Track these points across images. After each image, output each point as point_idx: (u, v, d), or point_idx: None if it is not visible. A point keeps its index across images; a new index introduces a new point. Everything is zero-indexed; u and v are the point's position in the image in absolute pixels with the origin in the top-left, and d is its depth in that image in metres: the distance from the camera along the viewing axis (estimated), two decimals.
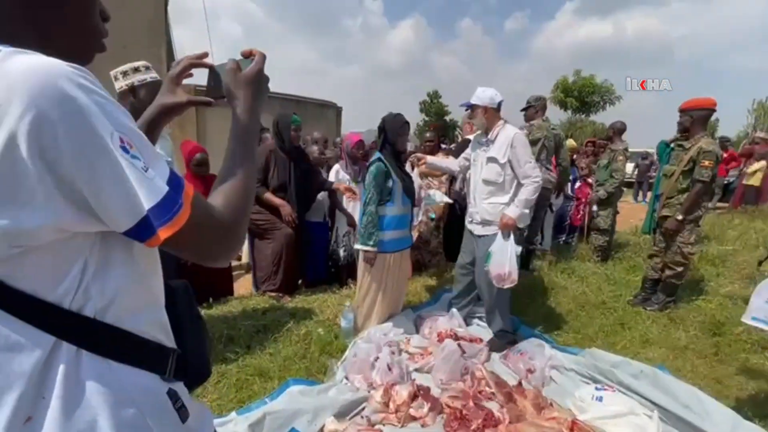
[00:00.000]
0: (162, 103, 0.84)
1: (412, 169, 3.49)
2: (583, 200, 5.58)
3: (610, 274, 4.12)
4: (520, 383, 2.15)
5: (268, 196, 3.21)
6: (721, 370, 2.42)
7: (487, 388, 2.06)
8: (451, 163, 3.18)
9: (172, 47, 7.44)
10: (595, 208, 4.58)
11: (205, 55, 0.85)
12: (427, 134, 4.56)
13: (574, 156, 5.62)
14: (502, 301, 2.68)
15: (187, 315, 0.76)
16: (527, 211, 2.56)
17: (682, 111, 3.07)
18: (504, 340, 2.70)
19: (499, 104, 2.60)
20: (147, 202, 0.49)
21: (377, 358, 2.34)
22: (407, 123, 2.72)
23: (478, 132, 2.74)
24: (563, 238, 5.64)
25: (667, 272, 3.21)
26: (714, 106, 3.07)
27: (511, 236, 2.49)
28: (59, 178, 0.45)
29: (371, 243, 2.56)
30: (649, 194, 12.12)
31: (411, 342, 2.63)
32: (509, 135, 2.52)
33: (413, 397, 2.02)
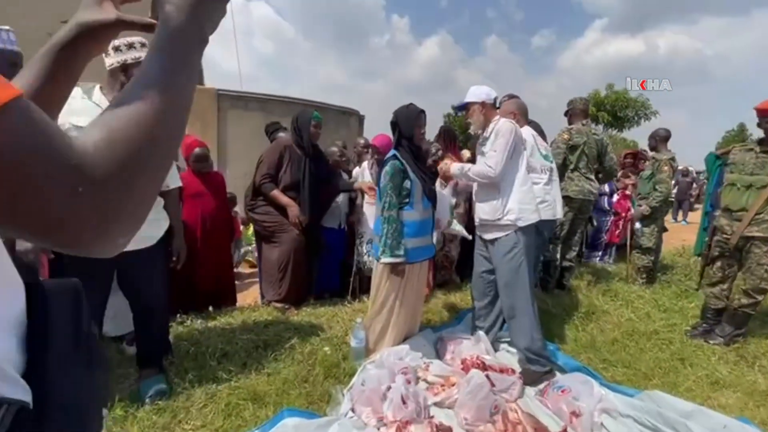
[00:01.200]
0: (80, 21, 0.55)
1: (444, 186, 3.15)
2: (623, 214, 5.09)
3: (659, 300, 3.63)
4: (565, 430, 1.74)
5: (276, 193, 2.94)
6: None
7: None
8: None
9: None
10: (638, 225, 4.10)
11: None
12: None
13: None
14: (526, 307, 2.31)
15: (63, 341, 0.45)
16: (464, 180, 2.66)
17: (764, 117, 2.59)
18: (539, 370, 2.29)
19: (495, 99, 2.46)
20: None
21: (389, 387, 1.98)
22: (423, 112, 2.41)
23: (473, 131, 2.53)
24: (599, 256, 5.15)
25: (743, 300, 2.71)
26: None
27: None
28: None
29: (401, 252, 2.24)
30: (691, 214, 11.33)
31: (430, 369, 2.26)
32: (497, 126, 2.33)
33: None
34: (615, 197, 5.26)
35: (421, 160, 2.40)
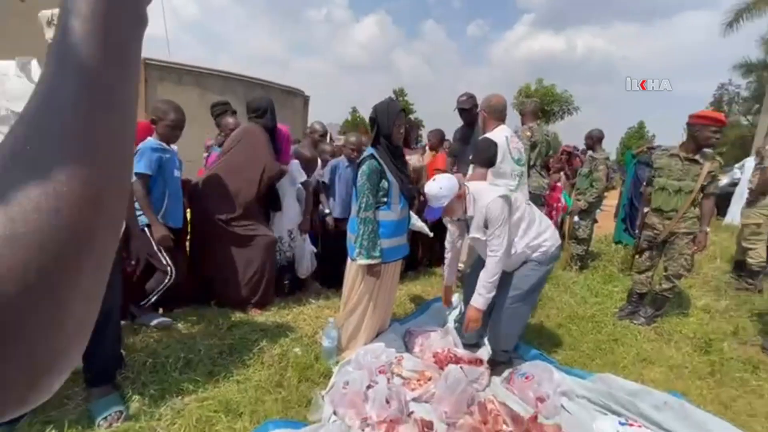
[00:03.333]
0: None
1: None
2: (555, 206, 5.57)
3: (591, 285, 4.07)
4: (536, 417, 1.90)
5: None
6: (724, 393, 2.34)
7: (504, 426, 1.79)
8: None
9: None
10: (576, 218, 4.52)
11: None
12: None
13: None
14: (523, 320, 2.44)
15: None
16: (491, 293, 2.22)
17: (704, 125, 2.94)
18: (503, 359, 2.47)
19: (460, 185, 2.22)
20: None
21: (369, 386, 2.00)
22: (403, 111, 2.35)
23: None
24: None
25: (665, 285, 3.14)
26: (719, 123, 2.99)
27: None
28: None
29: (377, 254, 2.20)
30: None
31: (403, 363, 2.31)
32: (482, 209, 2.16)
33: None
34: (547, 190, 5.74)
35: (398, 159, 2.36)
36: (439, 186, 2.14)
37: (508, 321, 2.32)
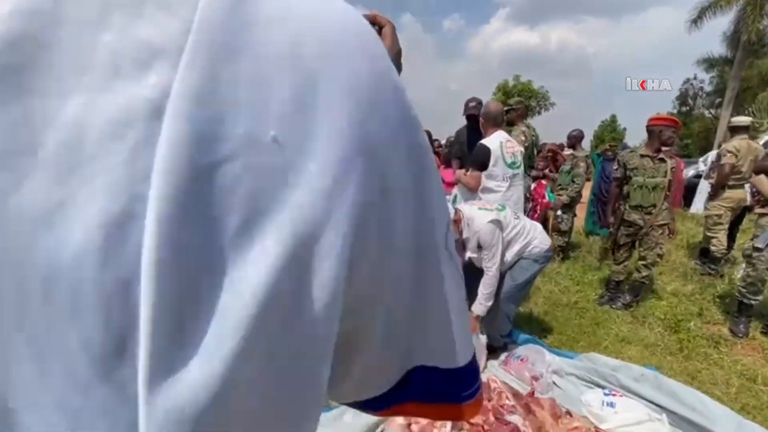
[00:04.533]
0: None
1: None
2: (540, 201, 5.90)
3: (572, 274, 4.40)
4: (533, 393, 2.16)
5: None
6: (691, 365, 2.67)
7: (507, 401, 2.03)
8: None
9: None
10: (559, 212, 4.85)
11: None
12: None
13: None
14: (514, 305, 2.71)
15: None
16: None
17: (666, 126, 3.27)
18: (499, 345, 2.72)
19: (455, 210, 2.49)
20: (463, 356, 0.31)
21: None
22: None
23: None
24: None
25: (643, 273, 3.47)
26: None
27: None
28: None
29: None
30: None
31: None
32: (475, 234, 2.41)
33: None
34: (533, 185, 6.06)
35: None
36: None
37: (505, 307, 2.59)
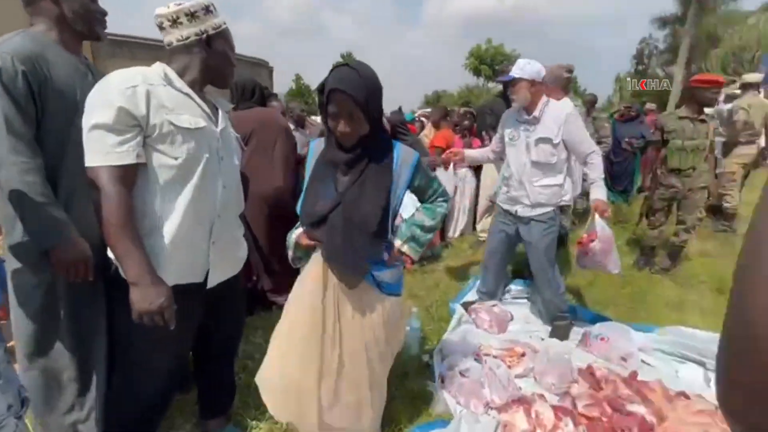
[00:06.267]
0: None
1: (447, 168, 3.08)
2: None
3: None
4: (635, 375, 2.06)
5: None
6: None
7: (624, 390, 1.92)
8: (485, 152, 2.89)
9: None
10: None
11: None
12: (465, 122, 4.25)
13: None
14: (560, 281, 2.61)
15: None
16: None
17: (707, 87, 3.16)
18: (564, 324, 2.62)
19: (544, 78, 2.39)
20: None
21: (468, 369, 2.03)
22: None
23: (516, 107, 2.50)
24: None
25: (683, 236, 3.45)
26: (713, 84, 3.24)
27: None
28: None
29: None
30: None
31: (491, 343, 2.37)
32: (560, 113, 2.34)
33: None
34: None
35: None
36: (527, 61, 2.34)
37: (546, 283, 2.54)
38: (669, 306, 3.00)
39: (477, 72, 19.50)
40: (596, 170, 2.34)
